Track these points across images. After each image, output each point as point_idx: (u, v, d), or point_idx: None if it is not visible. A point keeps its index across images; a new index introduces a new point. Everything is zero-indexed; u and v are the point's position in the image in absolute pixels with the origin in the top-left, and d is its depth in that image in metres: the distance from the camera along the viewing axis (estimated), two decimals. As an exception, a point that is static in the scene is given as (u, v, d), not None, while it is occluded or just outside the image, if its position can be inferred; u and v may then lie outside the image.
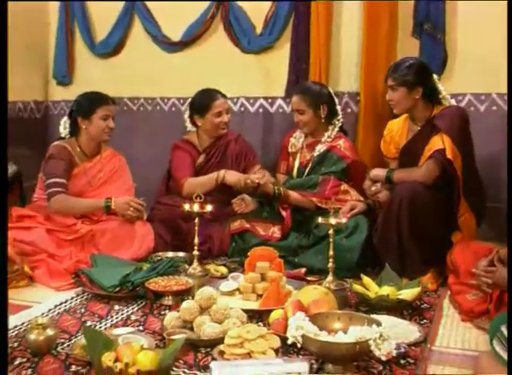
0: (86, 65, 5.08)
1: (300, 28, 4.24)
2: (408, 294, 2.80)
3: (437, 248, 3.14)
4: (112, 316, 2.74)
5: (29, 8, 4.95)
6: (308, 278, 3.28)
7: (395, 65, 3.43)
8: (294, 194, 3.67)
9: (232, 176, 3.80)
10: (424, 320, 2.70)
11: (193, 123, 4.02)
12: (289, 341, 2.18)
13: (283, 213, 3.67)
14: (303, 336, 2.14)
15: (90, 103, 3.71)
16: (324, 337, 2.15)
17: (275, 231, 3.67)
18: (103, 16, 4.94)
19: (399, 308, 2.77)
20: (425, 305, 2.90)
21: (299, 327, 2.16)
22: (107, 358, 2.06)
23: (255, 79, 4.57)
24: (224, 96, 3.98)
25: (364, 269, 3.25)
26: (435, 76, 3.43)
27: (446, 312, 2.82)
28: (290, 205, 3.67)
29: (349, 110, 4.22)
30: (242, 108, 4.66)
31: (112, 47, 4.91)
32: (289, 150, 3.92)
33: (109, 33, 4.90)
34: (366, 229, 3.40)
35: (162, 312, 2.76)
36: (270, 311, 2.60)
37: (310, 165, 3.78)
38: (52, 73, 5.14)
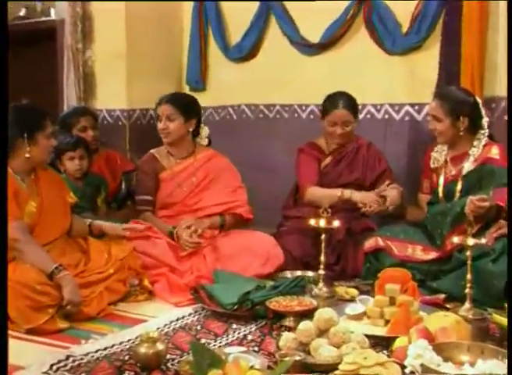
0: (219, 70, 5.34)
1: (452, 26, 4.21)
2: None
3: None
4: (228, 335, 2.92)
5: (164, 13, 5.34)
6: (447, 306, 3.26)
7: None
8: None
9: (358, 195, 3.94)
10: None
11: None
12: (407, 370, 2.24)
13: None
14: (422, 365, 2.19)
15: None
16: (445, 368, 2.18)
17: (415, 252, 3.67)
18: (237, 19, 5.16)
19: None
20: None
21: (418, 356, 2.21)
22: (213, 376, 2.23)
23: (401, 83, 4.58)
24: (351, 106, 4.04)
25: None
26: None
27: None
28: None
29: (506, 117, 4.13)
30: (386, 116, 4.69)
31: (246, 50, 5.12)
32: (432, 165, 3.91)
33: (243, 36, 5.11)
34: (516, 252, 3.32)
35: (281, 334, 2.84)
36: (396, 338, 2.65)
37: (460, 182, 3.71)
38: (185, 79, 5.46)
